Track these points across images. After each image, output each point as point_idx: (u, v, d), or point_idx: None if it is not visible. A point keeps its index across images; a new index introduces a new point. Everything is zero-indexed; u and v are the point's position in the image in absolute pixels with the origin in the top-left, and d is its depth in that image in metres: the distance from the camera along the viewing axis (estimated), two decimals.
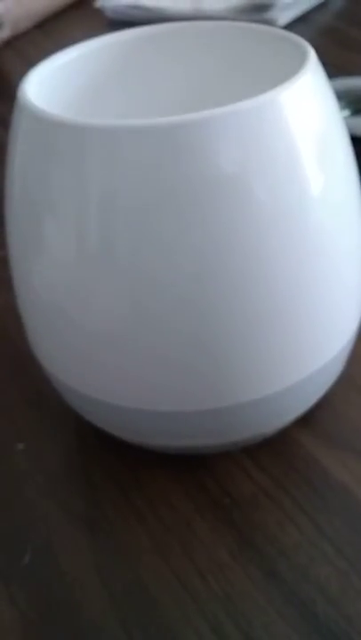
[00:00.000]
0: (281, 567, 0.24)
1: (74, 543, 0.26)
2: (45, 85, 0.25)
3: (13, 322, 0.36)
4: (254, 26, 0.27)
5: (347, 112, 0.46)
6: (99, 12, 0.78)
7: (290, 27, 0.68)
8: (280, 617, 0.23)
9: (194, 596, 0.24)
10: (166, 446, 0.27)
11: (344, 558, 0.24)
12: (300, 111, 0.21)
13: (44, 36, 0.76)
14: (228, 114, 0.20)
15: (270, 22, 0.68)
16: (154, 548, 0.25)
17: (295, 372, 0.24)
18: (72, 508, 0.27)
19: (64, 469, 0.29)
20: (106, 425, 0.27)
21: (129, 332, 0.22)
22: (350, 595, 0.23)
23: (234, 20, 0.69)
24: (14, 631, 0.23)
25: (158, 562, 0.25)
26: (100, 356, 0.23)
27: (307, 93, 0.21)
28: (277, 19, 0.68)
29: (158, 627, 0.23)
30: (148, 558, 0.25)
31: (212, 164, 0.20)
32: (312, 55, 0.23)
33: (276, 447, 0.28)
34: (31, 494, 0.28)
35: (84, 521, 0.27)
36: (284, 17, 0.69)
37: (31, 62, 0.69)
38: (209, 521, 0.26)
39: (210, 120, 0.20)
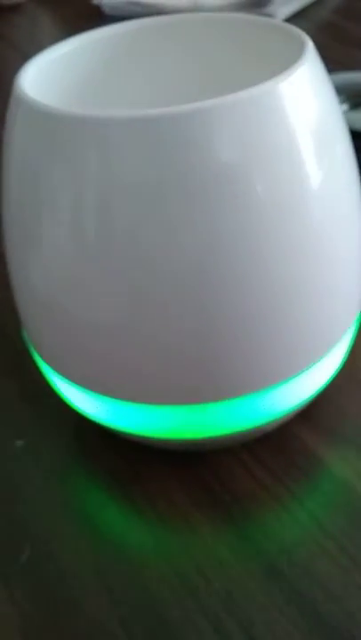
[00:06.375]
0: (282, 564, 0.24)
1: (73, 540, 0.26)
2: (42, 78, 0.25)
3: (12, 318, 0.36)
4: (253, 17, 0.26)
5: (345, 106, 0.46)
6: (96, 9, 0.78)
7: (288, 22, 0.68)
8: (281, 614, 0.23)
9: (194, 593, 0.23)
10: (166, 441, 0.26)
11: (345, 554, 0.24)
12: (298, 101, 0.21)
13: (40, 32, 0.76)
14: (226, 104, 0.19)
15: (269, 17, 0.68)
16: (153, 544, 0.25)
17: (295, 363, 0.24)
18: (71, 505, 0.27)
19: (63, 465, 0.28)
20: (104, 419, 0.27)
21: (127, 323, 0.22)
22: (352, 591, 0.23)
23: None
24: (13, 629, 0.23)
25: (158, 559, 0.25)
26: (97, 348, 0.23)
27: (305, 83, 0.21)
28: (276, 14, 0.68)
29: (158, 624, 0.23)
30: (147, 555, 0.25)
31: (210, 154, 0.20)
32: (310, 46, 0.22)
33: (276, 442, 0.28)
34: (30, 490, 0.28)
35: (82, 517, 0.26)
36: (283, 12, 0.69)
37: (27, 57, 0.69)
38: (209, 517, 0.26)
39: (207, 110, 0.19)
